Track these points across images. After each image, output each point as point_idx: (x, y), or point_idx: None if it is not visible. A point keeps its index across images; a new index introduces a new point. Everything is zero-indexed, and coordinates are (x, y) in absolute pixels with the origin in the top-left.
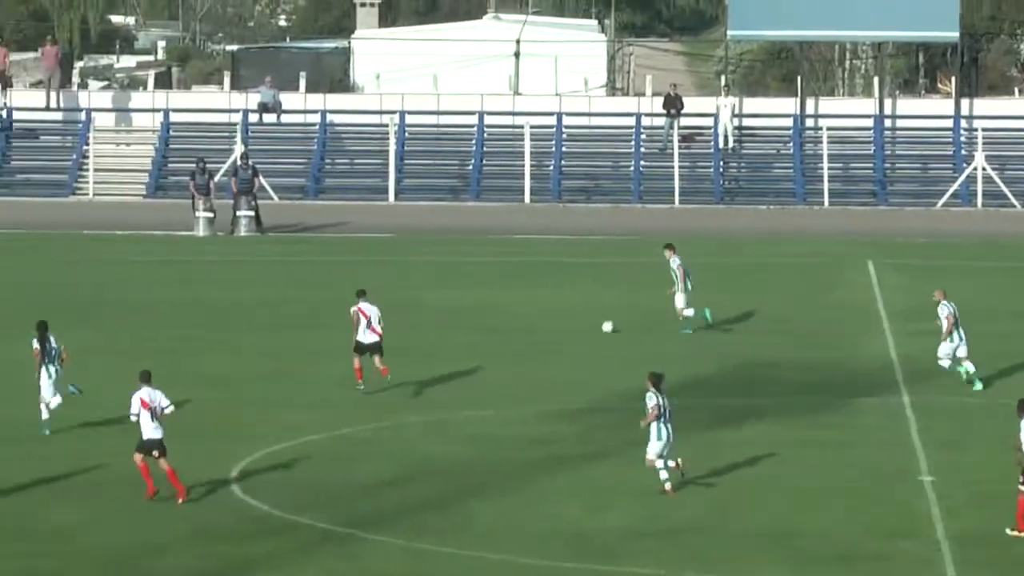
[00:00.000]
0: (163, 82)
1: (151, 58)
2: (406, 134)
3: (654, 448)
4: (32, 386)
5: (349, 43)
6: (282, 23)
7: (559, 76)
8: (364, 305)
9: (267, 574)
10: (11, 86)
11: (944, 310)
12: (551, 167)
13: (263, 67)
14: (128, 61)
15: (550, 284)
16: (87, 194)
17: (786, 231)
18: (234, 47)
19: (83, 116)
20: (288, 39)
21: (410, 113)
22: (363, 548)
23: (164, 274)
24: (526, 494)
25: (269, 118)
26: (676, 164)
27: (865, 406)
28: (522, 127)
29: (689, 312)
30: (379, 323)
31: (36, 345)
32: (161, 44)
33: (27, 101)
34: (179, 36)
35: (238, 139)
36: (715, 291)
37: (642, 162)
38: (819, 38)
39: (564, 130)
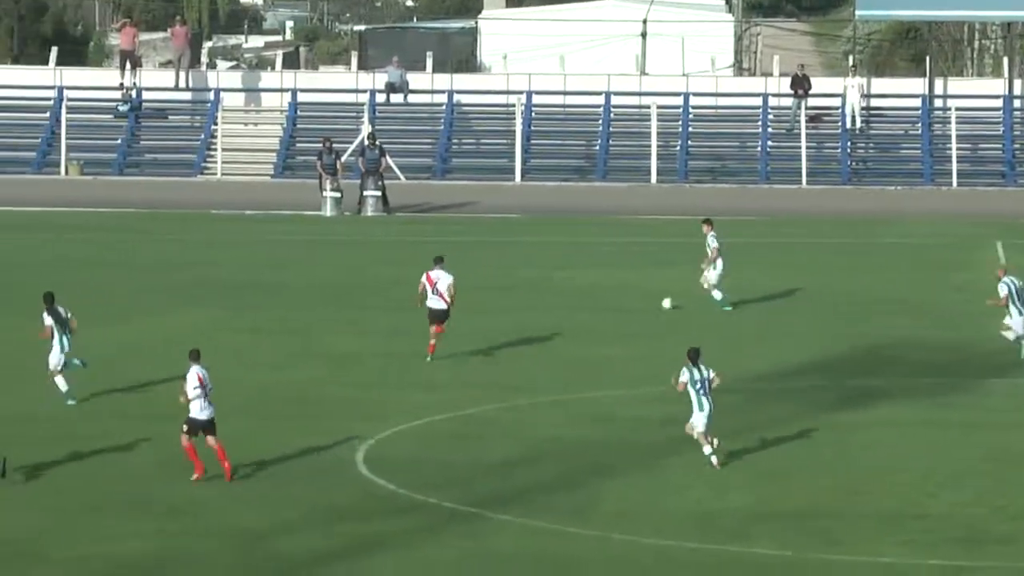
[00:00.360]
0: (291, 62)
1: (279, 38)
2: (533, 114)
3: (699, 420)
4: (156, 364)
5: (476, 23)
6: (409, 3)
7: (686, 56)
8: (433, 272)
9: (394, 553)
10: (140, 66)
11: (1004, 288)
12: (678, 147)
13: (390, 47)
14: (256, 41)
15: (676, 264)
16: (215, 174)
17: (914, 212)
18: (362, 27)
19: (211, 96)
20: (415, 19)
21: (537, 93)
22: (489, 527)
23: (291, 254)
24: (651, 474)
25: (396, 98)
26: (803, 144)
27: (992, 387)
28: (649, 107)
29: (717, 294)
30: (448, 291)
31: (47, 319)
32: (289, 24)
33: (156, 81)
34: (307, 16)
35: (365, 119)
36: (843, 271)
37: (769, 142)
38: (948, 18)
39: (691, 110)
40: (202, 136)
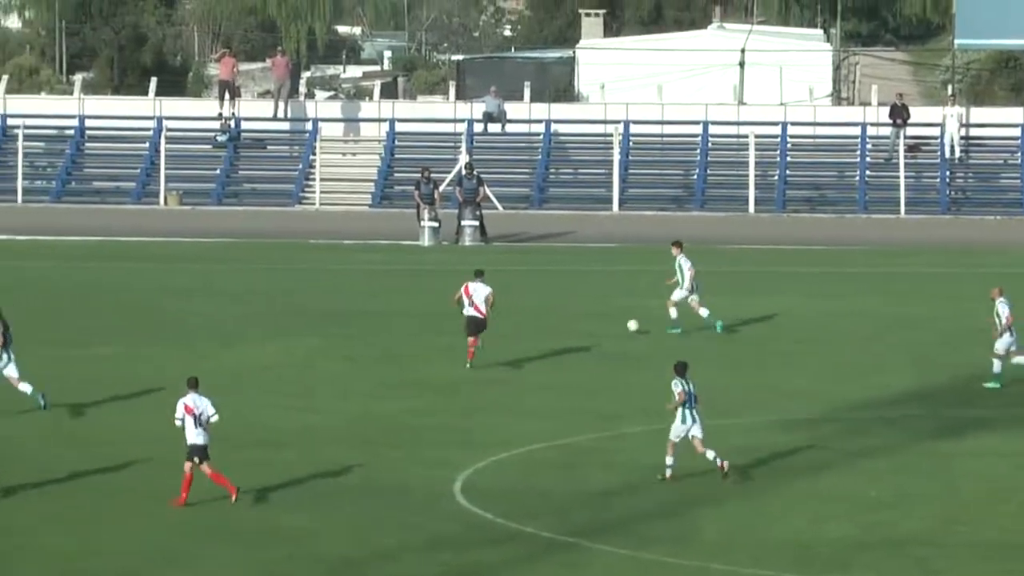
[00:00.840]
0: (389, 92)
1: (377, 68)
2: (630, 144)
3: (676, 430)
4: (253, 392)
5: (574, 53)
6: (507, 33)
7: (784, 86)
8: (471, 284)
9: None
10: (239, 96)
11: (1004, 308)
12: (776, 177)
13: (488, 77)
14: (355, 71)
15: (776, 294)
16: (313, 204)
17: (1013, 242)
18: (459, 57)
19: (310, 126)
20: (513, 49)
21: (634, 123)
22: (588, 557)
23: (389, 283)
24: (752, 504)
25: (494, 128)
26: (902, 174)
27: None
28: (747, 137)
29: (673, 313)
30: (484, 303)
31: None
32: (387, 54)
33: (255, 111)
34: (405, 46)
35: (463, 149)
36: (942, 301)
37: (867, 172)
38: None
39: (789, 140)
40: (300, 166)
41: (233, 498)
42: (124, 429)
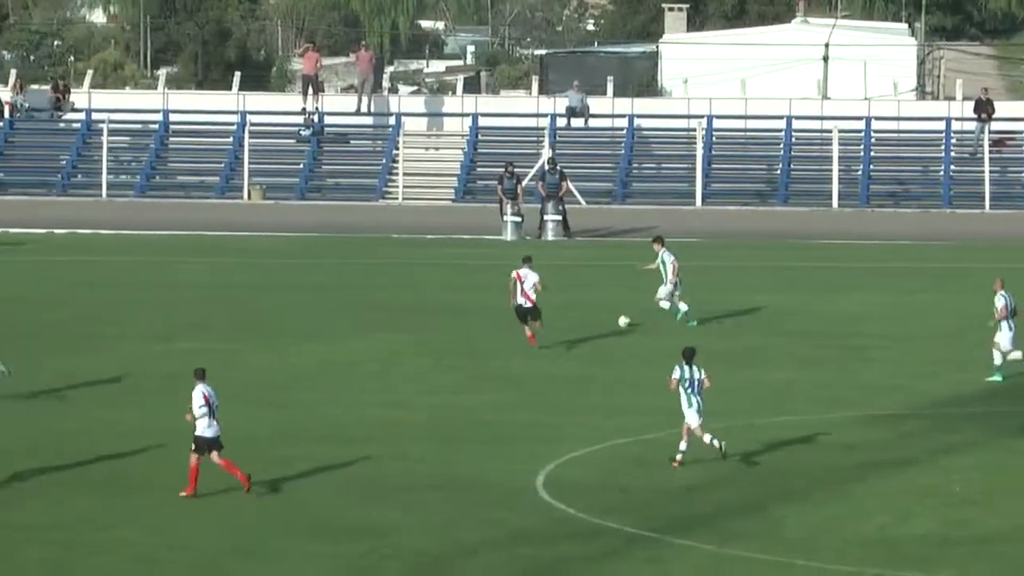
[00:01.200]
0: (472, 87)
1: (460, 63)
2: (713, 138)
3: (691, 417)
4: (341, 387)
5: (657, 47)
6: (590, 27)
7: (868, 80)
8: (523, 271)
9: None
10: (323, 91)
11: (1000, 300)
12: (859, 172)
13: (571, 71)
14: (437, 66)
15: (860, 289)
16: (396, 198)
17: None
18: (543, 52)
19: (393, 121)
20: (596, 43)
21: (718, 117)
22: (670, 553)
23: (472, 278)
24: (835, 500)
25: (577, 122)
26: (987, 169)
27: None
28: (830, 131)
29: (665, 305)
30: (532, 289)
31: None
32: (470, 49)
33: (338, 106)
34: (488, 41)
35: (546, 143)
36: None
37: (952, 167)
38: None
39: (873, 134)
40: (383, 160)
41: (246, 488)
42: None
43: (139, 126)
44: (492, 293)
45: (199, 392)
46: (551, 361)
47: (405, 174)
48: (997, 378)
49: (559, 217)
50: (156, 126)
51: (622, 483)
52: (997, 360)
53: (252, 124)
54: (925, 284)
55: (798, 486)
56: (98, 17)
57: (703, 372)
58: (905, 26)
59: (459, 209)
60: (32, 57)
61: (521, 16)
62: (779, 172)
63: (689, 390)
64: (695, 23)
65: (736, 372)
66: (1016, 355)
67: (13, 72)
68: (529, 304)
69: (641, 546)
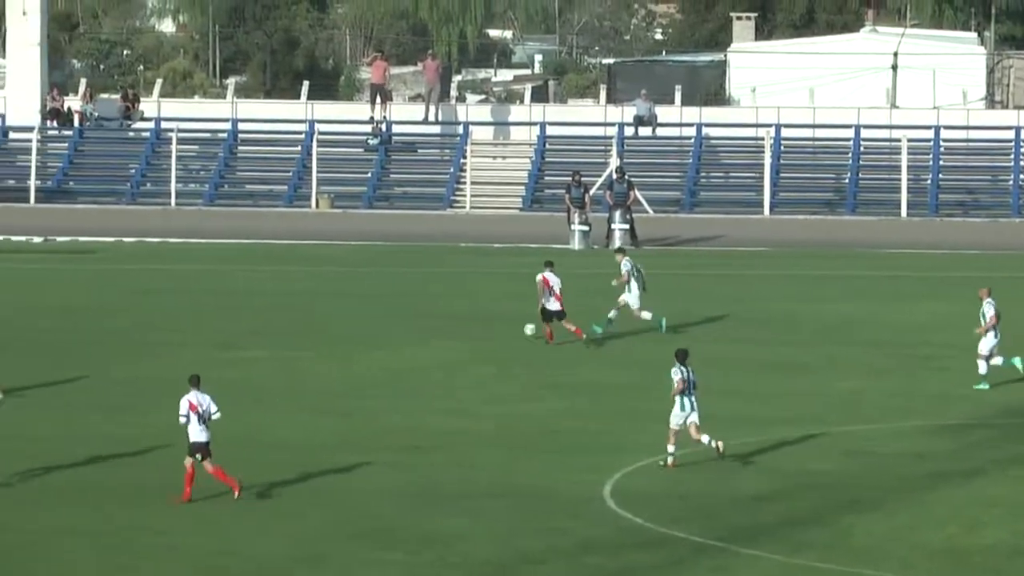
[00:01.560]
0: (540, 95)
1: (528, 71)
2: (782, 147)
3: (676, 418)
4: (405, 394)
5: (725, 56)
6: (658, 36)
7: (937, 89)
8: (548, 275)
9: None
10: (391, 100)
11: (990, 309)
12: (928, 181)
13: (639, 80)
14: (505, 75)
15: (926, 298)
16: (464, 207)
17: None
18: (610, 61)
19: (461, 130)
20: (664, 52)
21: (786, 126)
22: (738, 562)
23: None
24: (904, 510)
25: (644, 131)
26: None
27: None
28: (899, 140)
29: (647, 315)
30: (559, 291)
31: None
32: (538, 58)
33: (406, 115)
34: (556, 50)
35: (613, 153)
36: None
37: (1021, 176)
38: None
39: (941, 143)
40: (451, 169)
41: (236, 493)
42: (264, 432)
43: (208, 135)
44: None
45: (184, 400)
46: (615, 370)
47: (473, 183)
48: (984, 386)
49: (626, 226)
50: (224, 135)
51: (688, 492)
52: (982, 369)
53: (320, 133)
54: (994, 294)
55: (866, 495)
56: (167, 26)
57: (694, 373)
58: (974, 35)
59: (526, 218)
60: (102, 66)
61: (589, 25)
62: (847, 181)
63: (685, 393)
64: (763, 32)
65: (806, 381)
66: (997, 361)
67: (83, 81)
68: (559, 305)
69: (708, 555)
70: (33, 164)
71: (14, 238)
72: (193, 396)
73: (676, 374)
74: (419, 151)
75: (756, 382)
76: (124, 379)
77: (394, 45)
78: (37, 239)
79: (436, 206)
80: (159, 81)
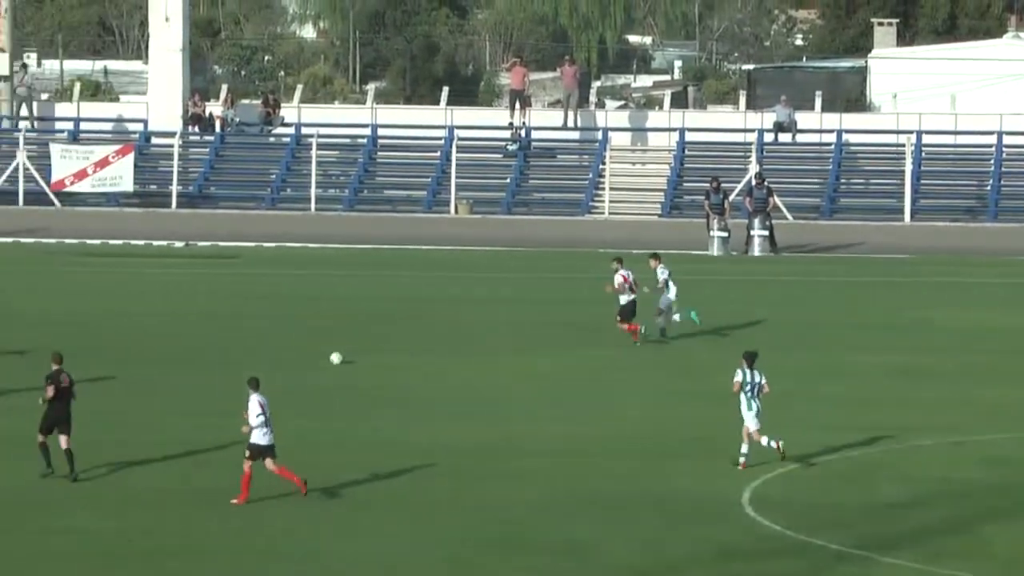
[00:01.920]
0: (679, 101)
1: (667, 78)
2: (923, 154)
3: (750, 421)
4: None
5: (866, 62)
6: (798, 42)
7: None
8: (625, 272)
9: None
10: (530, 105)
11: None
12: None
13: (779, 86)
14: (644, 80)
15: None
16: (602, 213)
17: None
18: (750, 66)
19: (599, 135)
20: (804, 58)
21: (927, 133)
22: (878, 570)
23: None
24: None
25: (784, 137)
26: None
27: None
28: None
29: (677, 317)
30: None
31: None
32: (677, 64)
33: (545, 120)
34: (695, 56)
35: (753, 158)
36: None
37: None
38: None
39: None
40: (590, 175)
41: (303, 491)
42: (407, 437)
43: (347, 140)
44: (699, 307)
45: (255, 401)
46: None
47: (611, 189)
48: None
49: (766, 232)
50: (364, 140)
51: (829, 500)
52: None
53: (459, 138)
54: None
55: (1008, 504)
56: (308, 32)
57: (763, 377)
58: None
59: (665, 224)
60: (243, 72)
61: (729, 31)
62: (989, 188)
63: (750, 394)
64: (905, 38)
65: (943, 389)
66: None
67: (224, 87)
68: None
69: (847, 563)
70: (175, 169)
71: (156, 243)
72: (260, 398)
73: (737, 376)
74: (558, 157)
75: (892, 389)
76: (281, 386)
77: (533, 51)
78: (178, 244)
79: (574, 212)
80: (299, 87)
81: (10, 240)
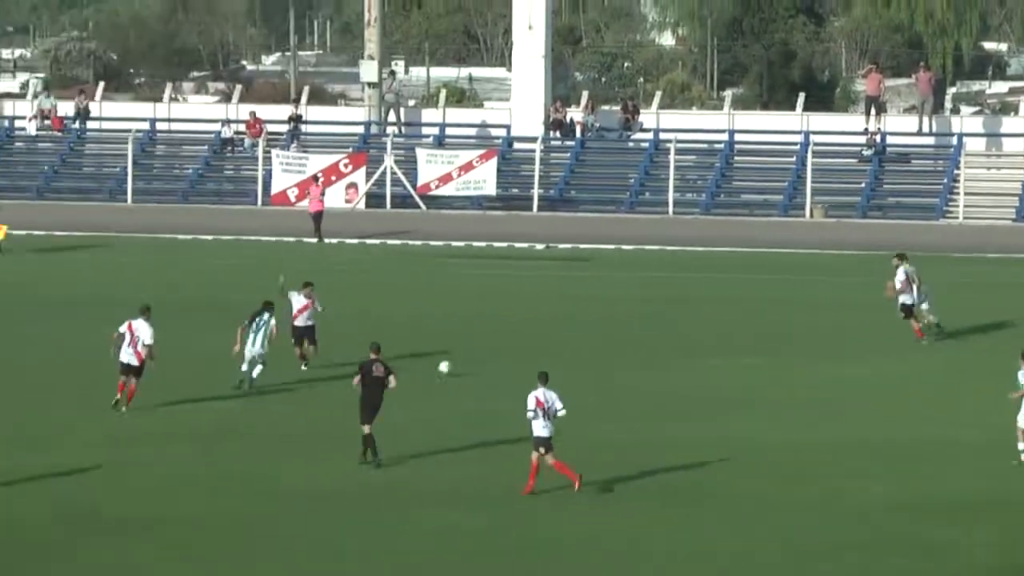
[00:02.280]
0: None
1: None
2: None
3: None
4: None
5: None
6: None
7: None
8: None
9: None
10: (885, 111)
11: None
12: None
13: None
14: (1000, 87)
15: None
16: (957, 218)
17: None
18: None
19: (954, 141)
20: None
21: None
22: None
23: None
24: None
25: None
26: None
27: None
28: None
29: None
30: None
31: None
32: None
33: (900, 126)
34: None
35: None
36: None
37: None
38: None
39: None
40: (944, 180)
41: (576, 486)
42: (751, 437)
43: (704, 146)
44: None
45: (533, 397)
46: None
47: (966, 193)
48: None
49: None
50: (721, 146)
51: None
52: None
53: (815, 144)
54: None
55: None
56: (667, 39)
57: None
58: None
59: (1020, 229)
60: (603, 78)
61: None
62: None
63: None
64: None
65: None
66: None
67: (585, 93)
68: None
69: None
70: (536, 173)
71: (518, 245)
72: (540, 393)
73: (1021, 378)
74: (912, 162)
75: None
76: (627, 386)
77: (889, 57)
78: (539, 246)
79: (928, 216)
80: (658, 93)
81: (378, 242)
